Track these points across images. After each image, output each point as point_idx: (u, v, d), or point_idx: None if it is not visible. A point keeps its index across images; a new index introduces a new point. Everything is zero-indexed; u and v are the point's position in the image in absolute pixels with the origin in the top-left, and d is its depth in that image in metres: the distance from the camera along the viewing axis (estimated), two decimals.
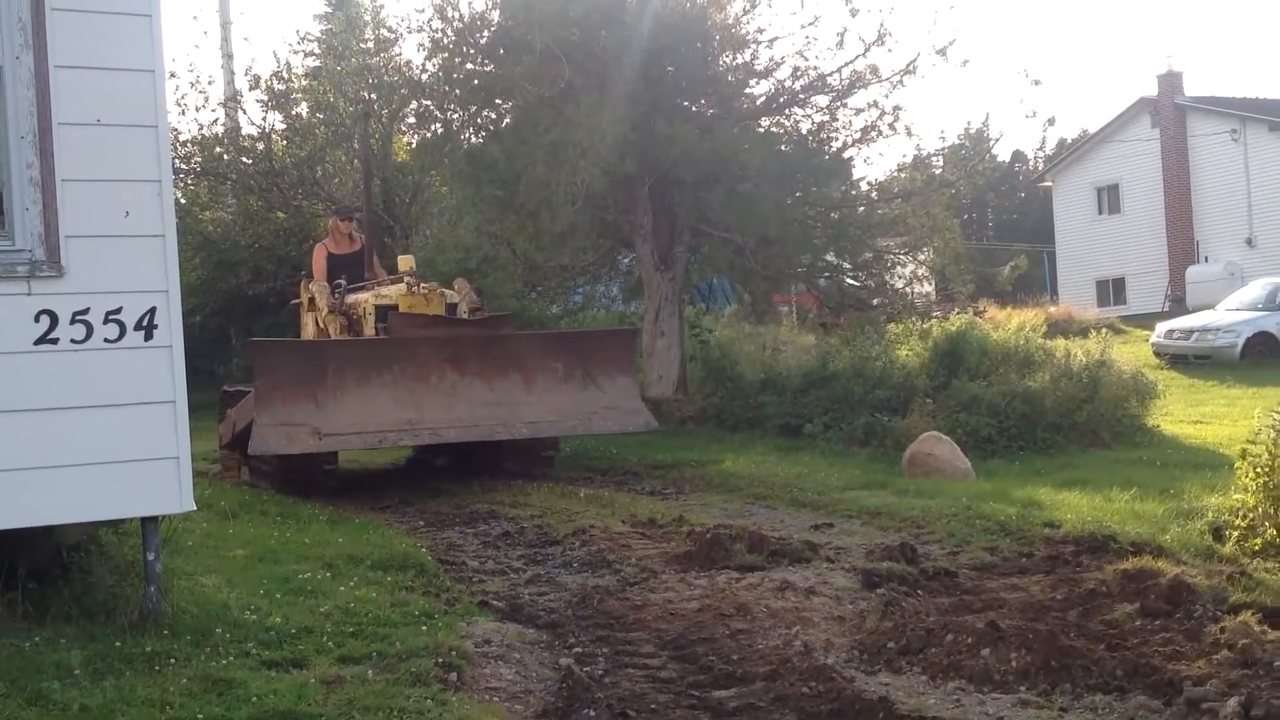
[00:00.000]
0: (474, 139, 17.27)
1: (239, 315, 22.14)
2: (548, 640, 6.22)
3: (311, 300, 12.56)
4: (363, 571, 7.32)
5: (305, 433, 10.05)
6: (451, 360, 10.83)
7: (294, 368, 10.33)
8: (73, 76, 5.66)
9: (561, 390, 11.26)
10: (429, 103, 17.71)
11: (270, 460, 10.86)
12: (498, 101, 16.71)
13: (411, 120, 20.03)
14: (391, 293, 11.48)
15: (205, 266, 21.82)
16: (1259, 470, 7.78)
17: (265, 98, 22.31)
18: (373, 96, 21.71)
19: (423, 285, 11.42)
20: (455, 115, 17.24)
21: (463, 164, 16.25)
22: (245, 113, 23.19)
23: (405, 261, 12.00)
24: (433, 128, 17.67)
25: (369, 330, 11.46)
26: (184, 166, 22.23)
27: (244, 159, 22.71)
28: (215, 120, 23.29)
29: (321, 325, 12.24)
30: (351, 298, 11.96)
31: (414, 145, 20.40)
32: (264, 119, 22.85)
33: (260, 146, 22.59)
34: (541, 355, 11.37)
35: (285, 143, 22.93)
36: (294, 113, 22.80)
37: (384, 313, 11.30)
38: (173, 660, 5.27)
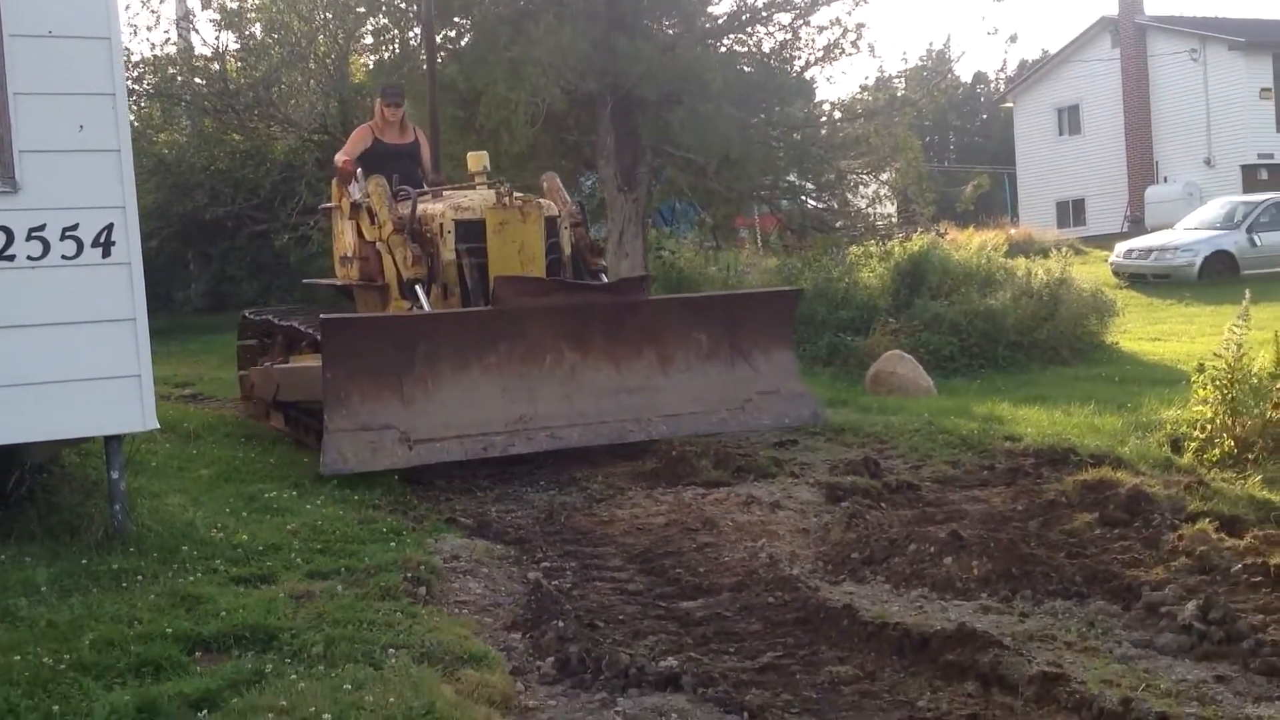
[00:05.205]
0: None
1: (196, 239, 21.88)
2: (515, 555, 6.26)
3: (355, 206, 9.80)
4: (329, 491, 7.33)
5: (391, 440, 7.90)
6: (570, 335, 8.57)
7: (374, 352, 7.99)
8: None
9: (705, 370, 9.05)
10: (386, 21, 17.42)
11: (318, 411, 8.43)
12: (456, 20, 16.45)
13: (369, 40, 19.71)
14: (474, 203, 9.08)
15: (161, 190, 21.42)
16: (1218, 383, 7.90)
17: (218, 17, 21.85)
18: (328, 15, 21.28)
19: (516, 195, 9.07)
20: (413, 34, 16.97)
21: (421, 84, 16.01)
22: (198, 32, 22.77)
23: (477, 159, 9.67)
24: (391, 47, 17.40)
25: (448, 253, 8.93)
26: (136, 88, 21.76)
27: (197, 80, 22.28)
28: (167, 40, 22.80)
29: (377, 245, 9.57)
30: (419, 208, 9.24)
31: (371, 66, 20.05)
32: (217, 39, 22.38)
33: (214, 67, 22.15)
34: (681, 324, 9.07)
35: (239, 64, 22.50)
36: (248, 33, 22.35)
37: (465, 229, 8.93)
38: (140, 577, 5.27)
